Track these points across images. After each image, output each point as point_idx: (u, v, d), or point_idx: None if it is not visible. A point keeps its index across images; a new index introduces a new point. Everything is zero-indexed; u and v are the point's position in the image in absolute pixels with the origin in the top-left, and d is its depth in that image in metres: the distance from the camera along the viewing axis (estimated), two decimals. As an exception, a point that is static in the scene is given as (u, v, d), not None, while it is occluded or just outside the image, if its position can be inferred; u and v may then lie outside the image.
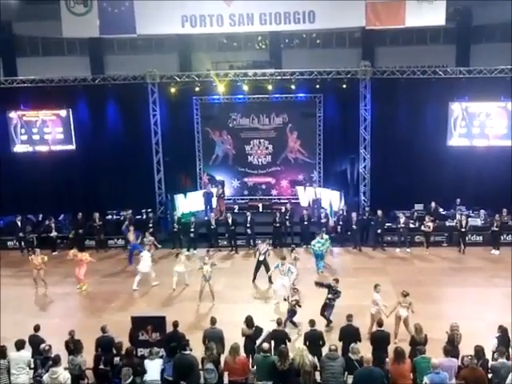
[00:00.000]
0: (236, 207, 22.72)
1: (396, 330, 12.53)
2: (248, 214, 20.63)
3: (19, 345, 10.54)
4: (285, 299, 14.14)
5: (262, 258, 16.83)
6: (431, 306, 14.47)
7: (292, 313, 13.33)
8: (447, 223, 20.58)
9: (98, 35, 21.21)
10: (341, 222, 20.26)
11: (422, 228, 19.84)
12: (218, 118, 23.77)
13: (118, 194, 21.84)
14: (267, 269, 16.53)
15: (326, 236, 17.86)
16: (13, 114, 22.48)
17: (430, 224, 19.60)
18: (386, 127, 21.25)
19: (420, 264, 18.55)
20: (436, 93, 20.83)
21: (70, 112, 22.34)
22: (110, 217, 21.95)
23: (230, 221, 20.37)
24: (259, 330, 11.46)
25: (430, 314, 13.50)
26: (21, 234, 20.74)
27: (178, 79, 21.48)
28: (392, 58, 23.31)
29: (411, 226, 20.25)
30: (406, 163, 21.39)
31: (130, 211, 21.05)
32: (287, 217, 20.58)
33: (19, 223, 20.76)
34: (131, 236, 19.09)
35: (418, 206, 21.40)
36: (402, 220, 19.93)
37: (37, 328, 11.53)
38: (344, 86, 21.28)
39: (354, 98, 21.19)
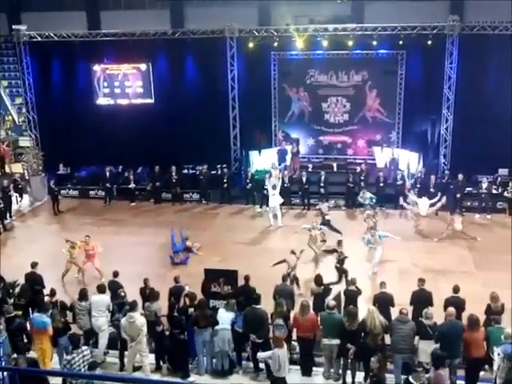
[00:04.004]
0: (310, 166, 22.49)
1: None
2: (322, 173, 20.42)
3: (101, 289, 11.13)
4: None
5: (328, 218, 16.96)
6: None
7: None
8: (533, 190, 19.51)
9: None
10: (418, 185, 19.68)
11: (506, 194, 18.97)
12: (296, 74, 23.31)
13: (195, 149, 22.09)
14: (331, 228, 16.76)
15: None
16: (96, 67, 23.00)
17: (515, 190, 18.71)
18: (472, 87, 20.08)
19: (501, 231, 17.74)
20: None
21: (150, 66, 22.64)
22: (186, 171, 22.38)
23: (303, 179, 20.27)
24: (328, 289, 11.50)
25: (509, 283, 12.97)
26: (108, 185, 21.53)
27: (257, 34, 21.19)
28: (483, 11, 21.77)
29: (494, 191, 19.36)
30: (492, 125, 20.15)
31: (206, 166, 21.36)
32: (362, 177, 20.25)
33: (108, 174, 21.56)
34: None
35: (502, 171, 20.32)
36: (485, 185, 19.11)
37: (116, 274, 12.12)
38: (429, 42, 20.20)
39: (440, 55, 20.09)
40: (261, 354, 9.70)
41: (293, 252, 13.56)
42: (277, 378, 9.24)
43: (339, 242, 14.25)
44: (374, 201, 18.64)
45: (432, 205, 17.46)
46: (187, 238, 16.45)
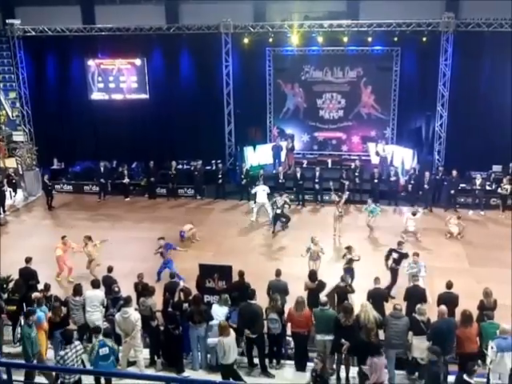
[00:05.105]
0: (305, 162, 22.49)
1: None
2: (317, 169, 20.43)
3: (95, 284, 11.12)
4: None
5: (279, 212, 17.42)
6: (504, 270, 13.99)
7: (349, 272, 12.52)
8: (527, 186, 19.60)
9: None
10: (412, 181, 19.72)
11: (499, 190, 19.04)
12: (291, 70, 23.31)
13: (189, 144, 22.10)
14: (281, 221, 17.55)
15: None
16: (91, 62, 22.91)
17: (508, 186, 18.75)
18: (466, 84, 20.14)
19: (494, 227, 17.87)
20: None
21: (145, 61, 22.54)
22: (180, 166, 22.31)
23: (298, 175, 20.28)
24: (322, 285, 11.51)
25: (503, 279, 13.09)
26: (102, 180, 21.41)
27: (252, 29, 21.14)
28: (478, 8, 21.74)
29: (488, 188, 19.47)
30: (486, 122, 20.28)
31: (200, 161, 21.30)
32: (356, 173, 20.28)
33: (102, 169, 21.45)
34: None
35: (496, 168, 20.42)
36: (479, 181, 19.19)
37: (110, 269, 12.11)
38: (424, 38, 20.20)
39: (434, 51, 20.11)
40: (209, 340, 9.92)
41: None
42: (222, 364, 9.43)
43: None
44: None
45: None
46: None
